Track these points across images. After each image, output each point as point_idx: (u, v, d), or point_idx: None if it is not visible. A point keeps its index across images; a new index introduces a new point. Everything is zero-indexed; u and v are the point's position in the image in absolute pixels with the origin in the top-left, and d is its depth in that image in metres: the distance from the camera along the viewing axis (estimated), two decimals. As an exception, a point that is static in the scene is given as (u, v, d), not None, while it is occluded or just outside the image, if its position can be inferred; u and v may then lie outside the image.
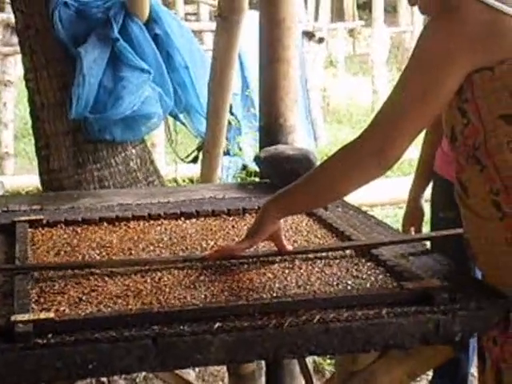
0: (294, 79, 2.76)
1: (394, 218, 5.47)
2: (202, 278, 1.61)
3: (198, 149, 4.02)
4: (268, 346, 1.38)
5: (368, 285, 1.57)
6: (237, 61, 3.90)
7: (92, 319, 1.38)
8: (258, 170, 2.95)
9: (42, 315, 1.37)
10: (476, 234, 1.60)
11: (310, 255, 1.75)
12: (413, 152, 2.35)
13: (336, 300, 1.47)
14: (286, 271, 1.65)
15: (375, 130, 1.56)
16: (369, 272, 1.65)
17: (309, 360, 2.47)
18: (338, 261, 1.72)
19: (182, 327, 1.37)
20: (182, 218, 2.08)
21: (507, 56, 1.46)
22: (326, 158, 1.68)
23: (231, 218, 2.09)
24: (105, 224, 2.02)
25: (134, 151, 3.49)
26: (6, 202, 2.29)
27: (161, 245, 1.86)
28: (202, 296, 1.51)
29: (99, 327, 1.36)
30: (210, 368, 3.31)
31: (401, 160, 1.58)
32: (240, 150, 6.21)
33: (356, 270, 1.66)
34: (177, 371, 2.31)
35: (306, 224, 2.03)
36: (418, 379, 3.11)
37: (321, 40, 8.44)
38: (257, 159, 2.63)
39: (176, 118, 3.71)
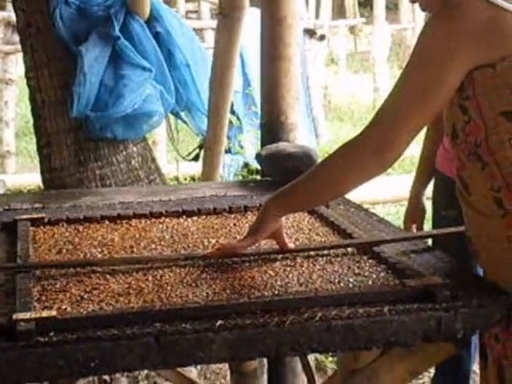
0: (295, 77, 2.76)
1: (396, 215, 5.47)
2: (203, 275, 1.61)
3: (200, 147, 4.03)
4: (270, 344, 1.38)
5: (370, 282, 1.57)
6: (238, 59, 3.90)
7: (94, 317, 1.38)
8: (259, 167, 2.95)
9: (44, 313, 1.37)
10: (477, 231, 1.60)
11: (312, 253, 1.75)
12: (414, 149, 2.35)
13: (338, 297, 1.47)
14: (288, 269, 1.65)
15: (376, 127, 1.56)
16: (370, 269, 1.65)
17: (311, 357, 2.47)
18: (339, 258, 1.72)
19: (183, 325, 1.37)
20: (184, 216, 2.08)
21: (508, 53, 1.46)
22: (327, 155, 1.68)
23: (233, 216, 2.09)
24: (106, 222, 2.02)
25: (135, 149, 3.49)
26: (8, 200, 2.29)
27: (162, 243, 1.86)
28: (204, 294, 1.51)
29: (101, 325, 1.36)
30: (212, 366, 3.32)
31: (402, 157, 1.58)
32: (241, 147, 6.21)
33: (358, 267, 1.66)
34: (179, 369, 2.31)
35: (308, 222, 2.02)
36: (420, 377, 3.11)
37: (322, 37, 8.43)
38: (258, 157, 2.63)
39: (177, 116, 3.71)
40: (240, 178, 5.91)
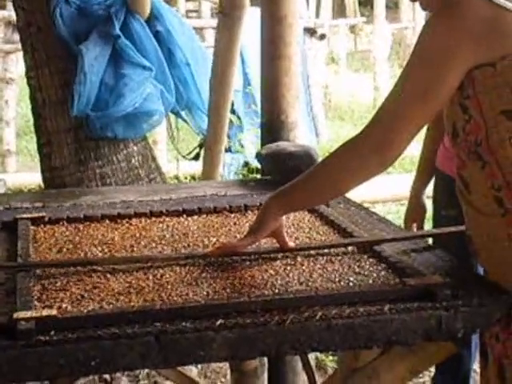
0: (295, 76, 2.76)
1: (396, 214, 5.47)
2: (204, 274, 1.61)
3: (200, 146, 4.03)
4: (270, 343, 1.38)
5: (370, 281, 1.57)
6: (238, 58, 3.90)
7: (94, 316, 1.38)
8: (259, 166, 2.95)
9: (45, 312, 1.37)
10: (478, 230, 1.60)
11: (312, 252, 1.75)
12: (415, 148, 2.35)
13: (338, 296, 1.47)
14: (288, 268, 1.65)
15: (376, 126, 1.56)
16: (371, 268, 1.65)
17: (311, 356, 2.47)
18: (339, 257, 1.72)
19: (184, 324, 1.37)
20: (184, 215, 2.08)
21: (508, 52, 1.46)
22: (327, 154, 1.68)
23: (233, 215, 2.09)
24: (107, 221, 2.02)
25: (135, 148, 3.50)
26: (8, 199, 2.29)
27: (163, 242, 1.86)
28: (204, 293, 1.51)
29: (101, 324, 1.36)
30: (213, 364, 3.32)
31: (402, 156, 1.58)
32: (241, 146, 6.21)
33: (358, 266, 1.66)
34: (179, 368, 2.31)
35: (308, 221, 2.02)
36: (421, 376, 3.11)
37: (322, 36, 8.43)
38: (258, 156, 2.63)
39: (177, 115, 3.71)
40: (240, 176, 5.91)
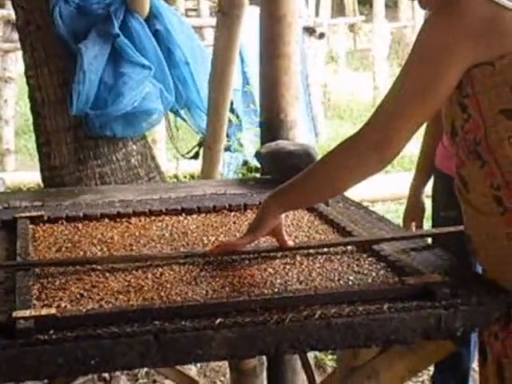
0: (294, 75, 2.76)
1: (395, 213, 5.47)
2: (203, 273, 1.61)
3: (199, 145, 4.02)
4: (269, 342, 1.38)
5: (369, 280, 1.57)
6: (237, 56, 3.89)
7: (93, 315, 1.38)
8: (258, 165, 2.95)
9: (44, 311, 1.37)
10: (477, 229, 1.59)
11: (311, 251, 1.75)
12: (414, 147, 2.35)
13: (337, 295, 1.47)
14: (288, 267, 1.65)
15: (375, 124, 1.56)
16: (370, 267, 1.65)
17: (310, 355, 2.47)
18: (339, 256, 1.72)
19: (183, 323, 1.37)
20: (183, 214, 2.08)
21: (507, 51, 1.46)
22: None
23: (232, 214, 2.09)
24: (106, 220, 2.02)
25: (134, 147, 3.49)
26: (7, 198, 2.29)
27: (162, 241, 1.86)
28: (204, 292, 1.51)
29: (101, 323, 1.36)
30: (212, 363, 3.32)
31: (401, 155, 1.58)
32: (241, 145, 6.21)
33: (357, 265, 1.66)
34: (178, 367, 2.31)
35: (307, 219, 2.02)
36: (420, 374, 3.11)
37: (321, 35, 8.43)
38: (258, 155, 2.63)
39: (177, 113, 3.71)
40: (240, 175, 5.91)
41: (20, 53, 3.69)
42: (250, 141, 6.14)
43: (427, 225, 2.72)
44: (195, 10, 13.22)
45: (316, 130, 8.06)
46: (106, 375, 3.20)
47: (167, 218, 2.05)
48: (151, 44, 3.37)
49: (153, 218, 2.05)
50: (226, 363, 2.94)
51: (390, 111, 1.54)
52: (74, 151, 3.34)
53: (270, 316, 1.40)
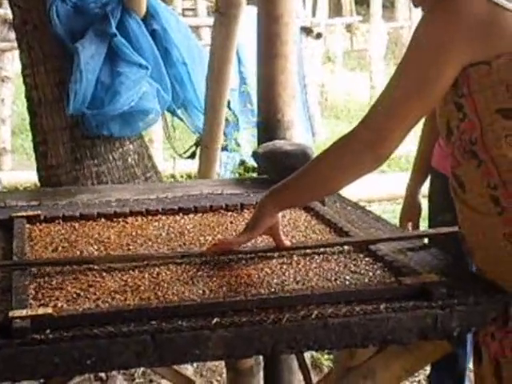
0: (291, 75, 2.76)
1: (392, 213, 5.47)
2: (200, 273, 1.61)
3: (196, 144, 4.02)
4: (266, 341, 1.38)
5: (366, 280, 1.57)
6: (234, 56, 3.90)
7: (90, 315, 1.38)
8: (255, 165, 2.95)
9: (40, 311, 1.37)
10: (473, 229, 1.59)
11: (308, 251, 1.75)
12: (410, 147, 2.36)
13: (334, 295, 1.47)
14: (284, 267, 1.65)
15: (369, 123, 1.56)
16: (367, 267, 1.65)
17: (307, 355, 2.47)
18: (336, 256, 1.73)
19: (180, 322, 1.37)
20: (180, 214, 2.08)
21: (504, 51, 1.46)
22: (323, 153, 1.68)
23: (229, 214, 2.09)
24: (102, 220, 2.02)
25: (131, 147, 3.49)
26: (4, 197, 2.28)
27: (159, 240, 1.86)
28: (200, 291, 1.51)
29: (97, 323, 1.35)
30: (208, 363, 3.32)
31: (398, 155, 1.59)
32: (238, 145, 6.21)
33: (354, 265, 1.66)
34: (175, 366, 2.31)
35: (304, 219, 2.02)
36: (416, 374, 3.12)
37: (318, 35, 8.43)
38: (255, 155, 2.63)
39: (174, 113, 3.70)
40: (236, 175, 5.91)
41: (17, 52, 3.68)
42: (246, 140, 6.14)
43: (424, 225, 2.72)
44: (192, 9, 13.22)
45: (313, 129, 8.07)
46: (103, 375, 3.20)
47: (164, 217, 2.05)
48: (148, 43, 3.36)
49: (149, 217, 2.05)
50: (223, 363, 2.94)
51: (384, 110, 1.54)
52: (70, 150, 3.34)
53: (267, 316, 1.40)
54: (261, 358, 2.51)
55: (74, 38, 3.21)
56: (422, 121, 2.44)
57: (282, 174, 1.74)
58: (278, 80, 2.71)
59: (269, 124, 2.72)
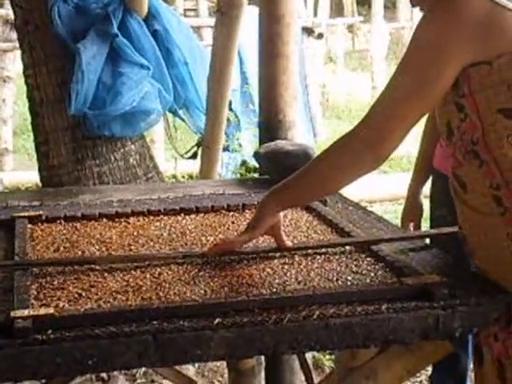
0: (293, 75, 2.76)
1: (394, 214, 5.47)
2: (201, 273, 1.61)
3: (198, 145, 4.02)
4: (268, 342, 1.38)
5: (368, 280, 1.57)
6: (236, 56, 3.90)
7: (92, 315, 1.38)
8: (257, 165, 2.95)
9: (42, 311, 1.37)
10: (474, 229, 1.59)
11: (310, 251, 1.75)
12: (412, 147, 2.36)
13: (336, 295, 1.47)
14: (286, 267, 1.65)
15: (369, 123, 1.56)
16: (368, 267, 1.65)
17: (308, 355, 2.47)
18: (337, 256, 1.72)
19: (181, 323, 1.37)
20: (182, 214, 2.08)
21: (505, 50, 1.46)
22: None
23: (231, 214, 2.09)
24: (104, 220, 2.02)
25: (133, 147, 3.49)
26: (6, 198, 2.28)
27: (160, 240, 1.86)
28: (202, 292, 1.51)
29: (99, 323, 1.35)
30: (210, 363, 3.31)
31: (400, 156, 1.59)
32: (239, 145, 6.21)
33: (356, 265, 1.66)
34: (176, 367, 2.31)
35: (306, 220, 2.02)
36: (418, 374, 3.11)
37: (320, 36, 8.43)
38: (256, 155, 2.63)
39: (175, 113, 3.71)
40: (238, 176, 5.91)
41: (18, 52, 3.69)
42: (248, 141, 6.14)
43: (425, 225, 2.72)
44: (194, 9, 13.22)
45: (314, 130, 8.07)
46: (104, 375, 3.20)
47: (165, 217, 2.05)
48: (150, 44, 3.37)
49: (151, 217, 2.05)
50: (224, 363, 2.94)
51: (384, 110, 1.54)
52: (72, 151, 3.34)
53: (269, 316, 1.40)
54: (262, 358, 2.51)
55: (76, 39, 3.22)
56: (424, 121, 2.44)
57: (283, 174, 1.74)
58: (280, 80, 2.71)
59: (270, 124, 2.73)
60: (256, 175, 3.60)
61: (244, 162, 6.14)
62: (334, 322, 1.41)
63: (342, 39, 12.54)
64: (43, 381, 2.03)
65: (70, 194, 2.39)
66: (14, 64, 7.56)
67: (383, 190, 5.98)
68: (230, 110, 5.12)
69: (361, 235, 1.85)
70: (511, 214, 1.49)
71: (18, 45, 3.53)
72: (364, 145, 1.54)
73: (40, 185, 3.61)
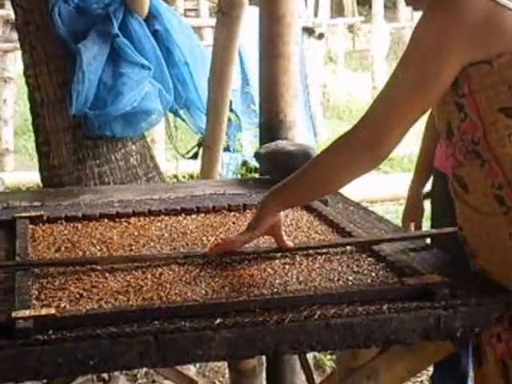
0: (293, 75, 2.76)
1: (395, 214, 5.47)
2: (202, 273, 1.61)
3: (198, 145, 4.02)
4: (269, 342, 1.38)
5: (369, 280, 1.57)
6: (237, 57, 3.90)
7: (93, 315, 1.38)
8: (258, 166, 2.95)
9: (43, 311, 1.37)
10: (476, 230, 1.58)
11: (311, 251, 1.75)
12: (413, 147, 2.36)
13: (337, 296, 1.47)
14: (287, 267, 1.65)
15: (368, 122, 1.56)
16: (369, 268, 1.65)
17: (309, 356, 2.47)
18: (338, 256, 1.72)
19: (182, 323, 1.37)
20: (183, 214, 2.08)
21: (505, 50, 1.46)
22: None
23: (232, 214, 2.09)
24: (105, 220, 2.02)
25: (133, 147, 3.49)
26: (6, 198, 2.28)
27: (161, 241, 1.86)
28: (203, 292, 1.51)
29: (100, 323, 1.35)
30: (211, 364, 3.32)
31: (401, 156, 1.59)
32: (240, 146, 6.21)
33: (357, 265, 1.66)
34: (177, 367, 2.31)
35: (307, 220, 2.02)
36: (419, 374, 3.11)
37: (320, 36, 8.43)
38: (257, 155, 2.63)
39: (176, 114, 3.71)
40: (239, 176, 5.91)
41: (19, 53, 3.69)
42: (249, 141, 6.14)
43: (426, 225, 2.72)
44: (195, 10, 13.22)
45: (315, 130, 8.06)
46: (105, 375, 3.20)
47: (166, 218, 2.05)
48: (150, 44, 3.37)
49: (152, 218, 2.05)
50: (225, 363, 2.94)
51: (383, 109, 1.54)
52: (73, 151, 3.34)
53: (270, 316, 1.40)
54: (263, 358, 2.51)
55: (77, 39, 3.22)
56: (425, 119, 2.44)
57: (284, 174, 1.74)
58: (280, 80, 2.71)
59: (271, 124, 2.73)
60: (257, 175, 3.59)
61: (245, 162, 6.14)
62: (335, 322, 1.41)
63: (343, 39, 12.54)
64: (44, 381, 2.03)
65: (71, 194, 2.39)
66: (15, 64, 7.57)
67: (384, 190, 5.98)
68: (231, 110, 5.12)
69: (362, 235, 1.85)
70: (514, 214, 1.49)
71: (18, 45, 3.53)
72: (362, 145, 1.54)
73: (41, 185, 3.62)
